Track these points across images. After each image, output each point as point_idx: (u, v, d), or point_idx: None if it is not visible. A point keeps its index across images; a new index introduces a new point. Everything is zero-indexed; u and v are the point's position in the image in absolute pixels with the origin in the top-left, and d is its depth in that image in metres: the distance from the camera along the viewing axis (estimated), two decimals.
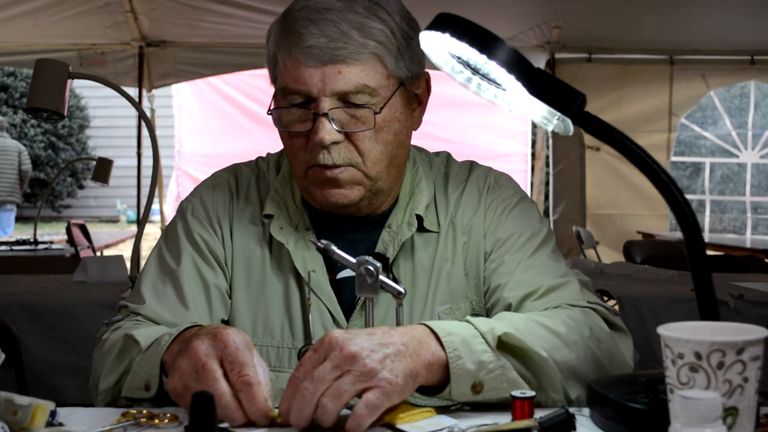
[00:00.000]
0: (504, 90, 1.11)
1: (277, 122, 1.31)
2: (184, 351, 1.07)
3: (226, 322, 1.38)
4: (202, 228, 1.40)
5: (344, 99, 1.26)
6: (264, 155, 1.51)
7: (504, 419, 1.07)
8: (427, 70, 1.37)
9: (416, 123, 1.39)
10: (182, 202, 1.47)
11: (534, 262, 1.36)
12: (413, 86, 1.35)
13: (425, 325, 1.11)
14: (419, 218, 1.38)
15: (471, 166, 1.48)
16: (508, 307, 1.33)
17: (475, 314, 1.37)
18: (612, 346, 1.27)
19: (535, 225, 1.40)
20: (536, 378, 1.15)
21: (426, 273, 1.37)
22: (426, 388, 1.11)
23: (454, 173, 1.46)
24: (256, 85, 8.61)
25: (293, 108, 1.28)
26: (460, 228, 1.40)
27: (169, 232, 1.43)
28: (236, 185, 1.45)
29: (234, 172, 1.47)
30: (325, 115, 1.25)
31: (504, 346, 1.13)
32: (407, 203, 1.40)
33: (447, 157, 1.50)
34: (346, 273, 1.38)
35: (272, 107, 1.31)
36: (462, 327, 1.13)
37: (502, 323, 1.15)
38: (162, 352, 1.14)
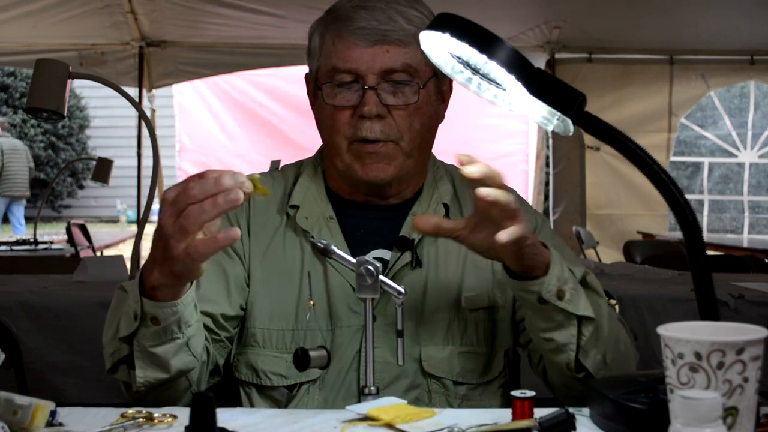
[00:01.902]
0: (504, 90, 1.11)
1: (327, 97, 1.39)
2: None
3: (245, 310, 1.41)
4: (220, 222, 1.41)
5: (389, 78, 1.37)
6: (265, 170, 1.53)
7: (504, 419, 1.07)
8: None
9: (441, 117, 1.49)
10: None
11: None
12: (442, 82, 1.46)
13: None
14: (446, 207, 1.46)
15: None
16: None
17: (496, 308, 1.44)
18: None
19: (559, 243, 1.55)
20: (592, 325, 1.27)
21: (454, 259, 1.44)
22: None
23: None
24: (258, 85, 8.60)
25: (339, 87, 1.39)
26: None
27: None
28: None
29: None
30: (373, 89, 1.36)
31: (584, 283, 1.29)
32: (431, 194, 1.48)
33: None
34: (370, 255, 1.42)
35: (321, 83, 1.41)
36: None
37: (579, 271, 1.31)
38: (138, 278, 1.17)
